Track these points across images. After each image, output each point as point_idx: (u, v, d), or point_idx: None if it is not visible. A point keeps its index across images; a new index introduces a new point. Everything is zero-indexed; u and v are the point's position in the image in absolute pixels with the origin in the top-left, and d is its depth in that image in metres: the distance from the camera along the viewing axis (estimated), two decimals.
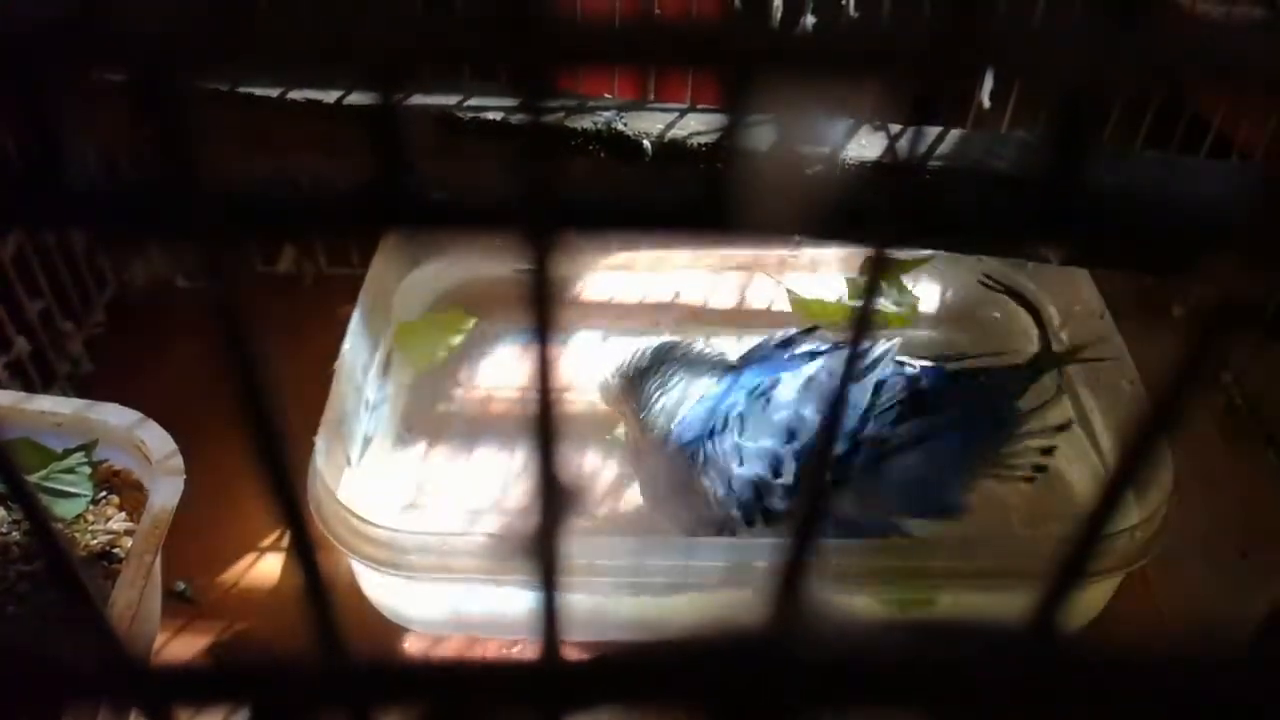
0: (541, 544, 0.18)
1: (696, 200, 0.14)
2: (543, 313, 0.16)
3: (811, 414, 0.62)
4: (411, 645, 0.67)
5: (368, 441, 0.74)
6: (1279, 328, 0.61)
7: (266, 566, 0.72)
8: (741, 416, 0.64)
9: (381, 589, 0.66)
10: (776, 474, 0.62)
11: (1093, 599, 0.64)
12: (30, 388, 0.75)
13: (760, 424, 0.63)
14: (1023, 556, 0.61)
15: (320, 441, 0.64)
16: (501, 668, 0.15)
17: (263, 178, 0.14)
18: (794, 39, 0.11)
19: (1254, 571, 0.67)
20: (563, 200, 0.12)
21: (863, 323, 0.15)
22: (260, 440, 0.16)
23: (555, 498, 0.18)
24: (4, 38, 0.13)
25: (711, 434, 0.64)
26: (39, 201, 0.12)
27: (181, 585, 0.69)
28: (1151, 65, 0.11)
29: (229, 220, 0.13)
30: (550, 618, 0.17)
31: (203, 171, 0.13)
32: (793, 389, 0.64)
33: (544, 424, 0.17)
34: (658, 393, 0.67)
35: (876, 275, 0.16)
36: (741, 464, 0.63)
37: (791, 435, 0.62)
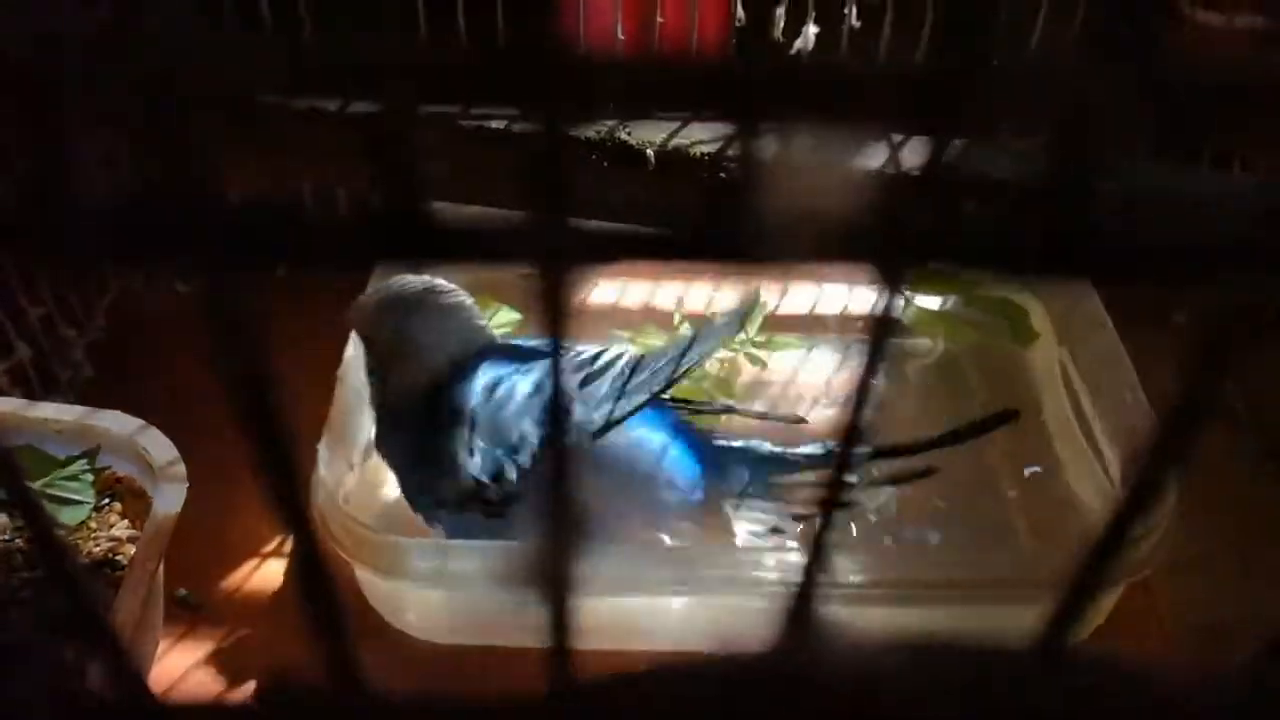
0: (553, 571, 0.18)
1: (712, 231, 0.14)
2: (556, 334, 0.16)
3: (531, 426, 0.63)
4: (413, 653, 0.67)
5: (370, 447, 0.74)
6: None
7: (269, 571, 0.72)
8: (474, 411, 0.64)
9: (384, 595, 0.66)
10: (496, 478, 0.63)
11: (1096, 609, 0.64)
12: (31, 394, 0.75)
13: (491, 425, 0.64)
14: (1027, 569, 0.62)
15: (323, 448, 0.64)
16: (511, 707, 0.16)
17: (269, 202, 0.14)
18: (798, 74, 0.11)
19: (1257, 580, 0.67)
20: (576, 233, 0.12)
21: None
22: (269, 466, 0.16)
23: (568, 521, 0.18)
24: (19, 59, 0.14)
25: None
26: (44, 226, 0.13)
27: (183, 592, 0.69)
28: (1154, 99, 0.11)
29: (238, 251, 0.13)
30: (561, 648, 0.17)
31: (211, 192, 0.13)
32: (523, 394, 0.64)
33: (557, 443, 0.17)
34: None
35: (890, 300, 0.16)
36: (472, 456, 0.63)
37: (514, 449, 0.63)
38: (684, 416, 0.70)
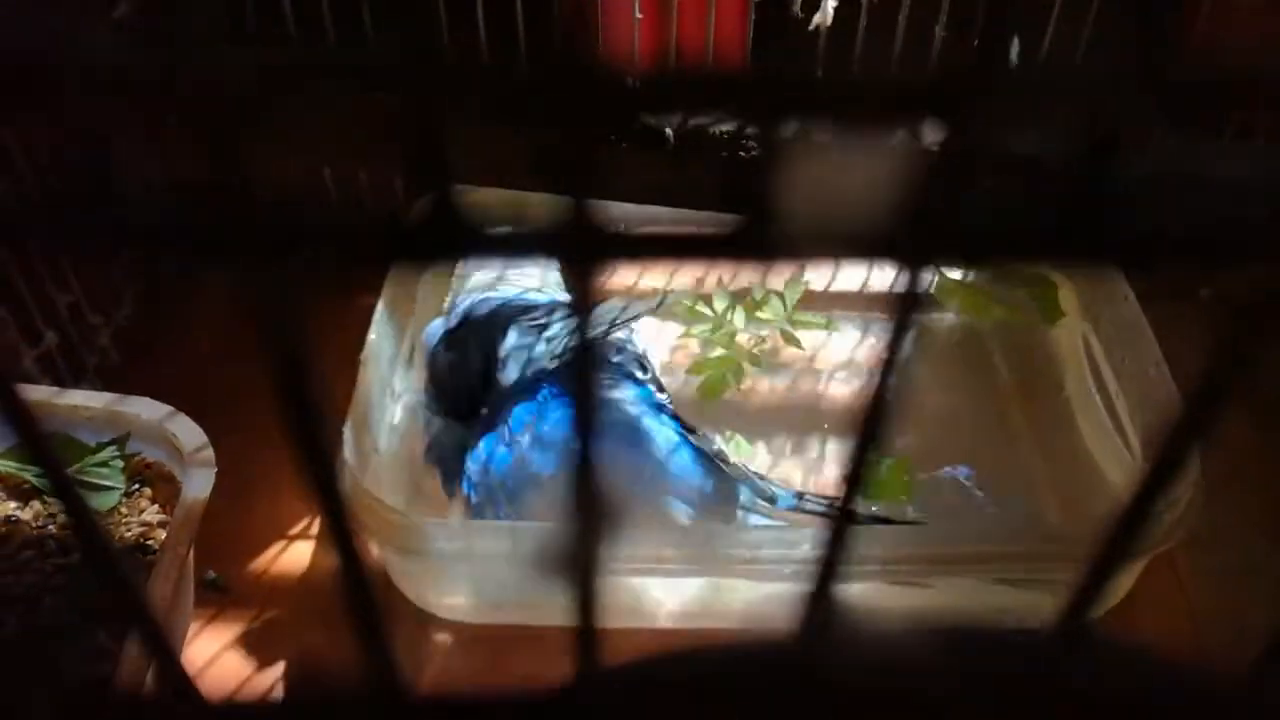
0: (581, 565, 0.18)
1: (743, 232, 0.15)
2: (583, 322, 0.16)
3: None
4: (439, 634, 0.68)
5: (394, 430, 0.75)
6: None
7: (296, 553, 0.73)
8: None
9: (409, 577, 0.67)
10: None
11: (1118, 583, 0.64)
12: (60, 381, 0.75)
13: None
14: (1051, 543, 0.62)
15: (347, 431, 0.65)
16: (536, 697, 0.16)
17: (303, 202, 0.14)
18: (816, 88, 0.11)
19: None
20: (605, 235, 0.12)
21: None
22: (308, 459, 0.16)
23: (595, 512, 0.18)
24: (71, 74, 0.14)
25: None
26: (89, 226, 0.13)
27: (212, 574, 0.70)
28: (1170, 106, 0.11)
29: (279, 252, 0.13)
30: (588, 631, 0.17)
31: (252, 191, 0.13)
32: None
33: (584, 431, 0.18)
34: None
35: (911, 295, 0.16)
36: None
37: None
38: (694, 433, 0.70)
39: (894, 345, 0.17)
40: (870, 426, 0.18)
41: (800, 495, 0.67)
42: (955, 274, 0.86)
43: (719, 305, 0.85)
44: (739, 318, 0.85)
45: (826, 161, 0.14)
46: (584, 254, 0.13)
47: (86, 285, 0.82)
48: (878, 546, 0.60)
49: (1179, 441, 0.17)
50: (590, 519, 0.18)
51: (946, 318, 0.86)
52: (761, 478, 0.69)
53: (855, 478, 0.18)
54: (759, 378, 0.83)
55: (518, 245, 0.13)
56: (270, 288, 0.14)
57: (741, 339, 0.84)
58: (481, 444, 0.69)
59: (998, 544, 0.61)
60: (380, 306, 0.75)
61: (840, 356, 0.85)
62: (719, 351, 0.83)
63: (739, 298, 0.86)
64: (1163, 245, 0.16)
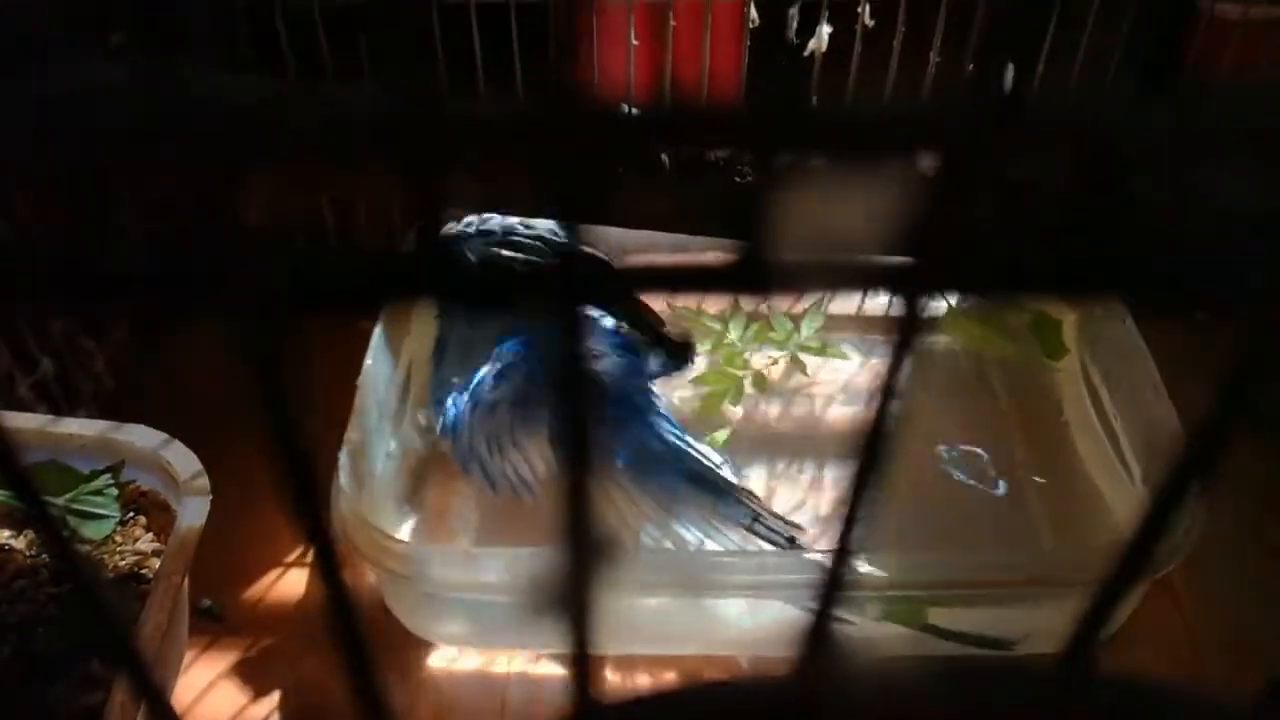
0: (574, 601, 0.18)
1: (739, 264, 0.14)
2: (570, 377, 0.16)
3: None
4: (436, 662, 0.68)
5: (391, 456, 0.75)
6: None
7: (292, 580, 0.73)
8: None
9: (404, 604, 0.66)
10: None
11: (1118, 609, 0.63)
12: (56, 408, 0.75)
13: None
14: (1051, 567, 0.61)
15: (344, 457, 0.65)
16: None
17: (296, 248, 0.14)
18: (820, 121, 0.11)
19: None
20: (593, 279, 0.12)
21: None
22: (297, 505, 0.16)
23: (588, 550, 0.18)
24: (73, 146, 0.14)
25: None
26: (77, 284, 0.13)
27: (208, 602, 0.69)
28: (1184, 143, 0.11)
29: (271, 299, 0.13)
30: (583, 670, 0.17)
31: (242, 242, 0.13)
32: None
33: (578, 470, 0.17)
34: None
35: (910, 325, 0.16)
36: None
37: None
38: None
39: (892, 376, 0.17)
40: (869, 455, 0.18)
41: (757, 517, 0.67)
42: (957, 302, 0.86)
43: (733, 326, 0.85)
44: (750, 338, 0.85)
45: (823, 191, 0.14)
46: (568, 298, 0.12)
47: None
48: (879, 572, 0.59)
49: (1181, 480, 0.17)
50: (584, 552, 0.17)
51: (944, 340, 0.86)
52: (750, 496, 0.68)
53: (853, 513, 0.18)
54: (761, 399, 0.82)
55: (500, 285, 0.12)
56: (258, 340, 0.14)
57: (754, 359, 0.84)
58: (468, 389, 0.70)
59: (993, 572, 0.61)
60: (377, 331, 0.75)
61: (845, 381, 0.84)
62: (728, 368, 0.83)
63: (753, 319, 0.86)
64: (1162, 281, 0.16)
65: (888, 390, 0.17)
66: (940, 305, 0.85)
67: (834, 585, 0.19)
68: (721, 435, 0.78)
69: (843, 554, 0.16)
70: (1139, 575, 0.17)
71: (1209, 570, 0.67)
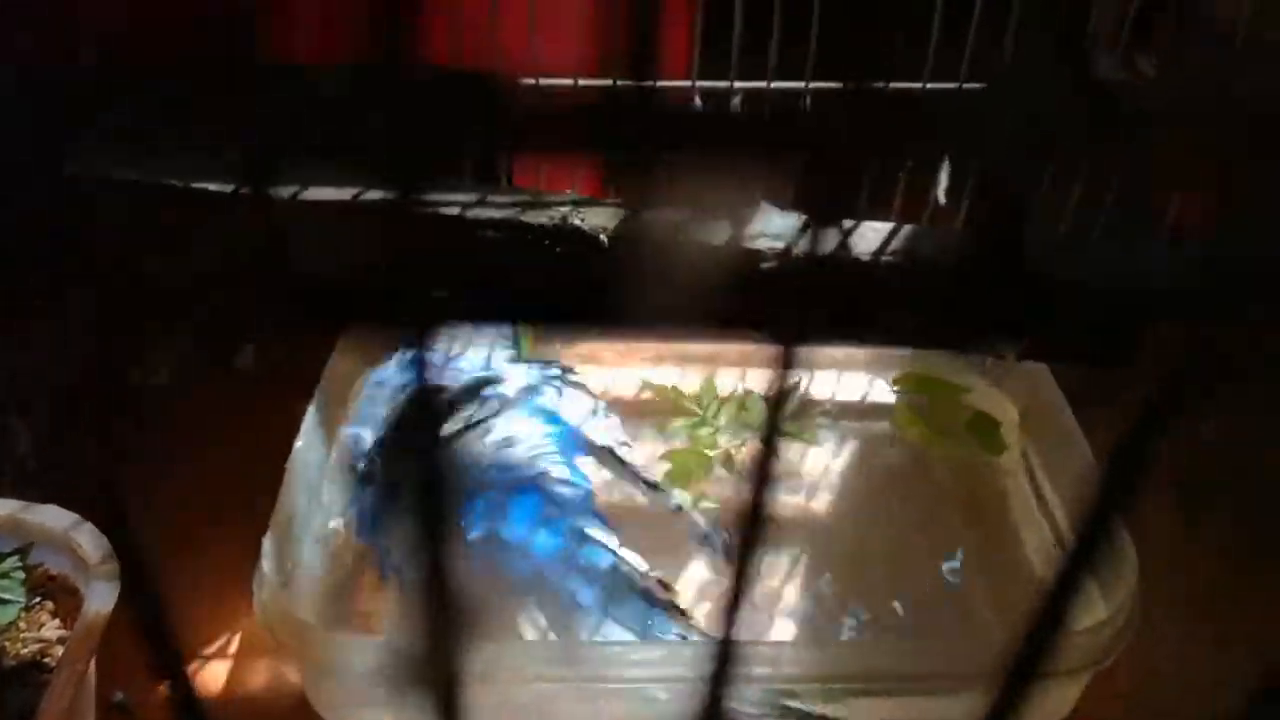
0: (437, 671, 0.17)
1: (591, 295, 0.14)
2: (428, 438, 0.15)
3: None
4: None
5: (319, 541, 0.72)
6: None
7: (211, 673, 0.70)
8: None
9: (326, 696, 0.64)
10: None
11: (1059, 700, 0.62)
12: None
13: None
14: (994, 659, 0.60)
15: (268, 543, 0.62)
16: None
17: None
18: (690, 122, 0.11)
19: (1230, 659, 0.66)
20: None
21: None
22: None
23: (448, 618, 0.16)
24: None
25: None
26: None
27: (120, 695, 0.66)
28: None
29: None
30: None
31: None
32: None
33: (434, 538, 0.16)
34: None
35: (784, 373, 0.15)
36: None
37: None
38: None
39: (768, 443, 0.16)
40: (750, 536, 0.17)
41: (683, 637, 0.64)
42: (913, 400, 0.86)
43: (706, 403, 0.85)
44: (724, 418, 0.84)
45: (680, 239, 0.13)
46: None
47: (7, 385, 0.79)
48: (795, 666, 0.58)
49: (1100, 511, 0.16)
50: (446, 626, 0.16)
51: (883, 426, 0.86)
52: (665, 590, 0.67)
53: (737, 597, 0.17)
54: (727, 480, 0.81)
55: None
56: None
57: (723, 439, 0.83)
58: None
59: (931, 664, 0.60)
60: (311, 412, 0.73)
61: (823, 466, 0.84)
62: (699, 449, 0.82)
63: (726, 401, 0.85)
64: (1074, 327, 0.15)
65: (765, 462, 0.16)
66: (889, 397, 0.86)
67: (724, 664, 0.18)
68: (688, 498, 0.77)
69: (726, 644, 0.15)
70: (1057, 644, 0.17)
71: (1157, 659, 0.66)
